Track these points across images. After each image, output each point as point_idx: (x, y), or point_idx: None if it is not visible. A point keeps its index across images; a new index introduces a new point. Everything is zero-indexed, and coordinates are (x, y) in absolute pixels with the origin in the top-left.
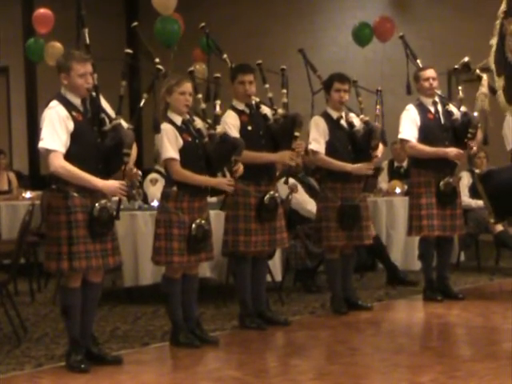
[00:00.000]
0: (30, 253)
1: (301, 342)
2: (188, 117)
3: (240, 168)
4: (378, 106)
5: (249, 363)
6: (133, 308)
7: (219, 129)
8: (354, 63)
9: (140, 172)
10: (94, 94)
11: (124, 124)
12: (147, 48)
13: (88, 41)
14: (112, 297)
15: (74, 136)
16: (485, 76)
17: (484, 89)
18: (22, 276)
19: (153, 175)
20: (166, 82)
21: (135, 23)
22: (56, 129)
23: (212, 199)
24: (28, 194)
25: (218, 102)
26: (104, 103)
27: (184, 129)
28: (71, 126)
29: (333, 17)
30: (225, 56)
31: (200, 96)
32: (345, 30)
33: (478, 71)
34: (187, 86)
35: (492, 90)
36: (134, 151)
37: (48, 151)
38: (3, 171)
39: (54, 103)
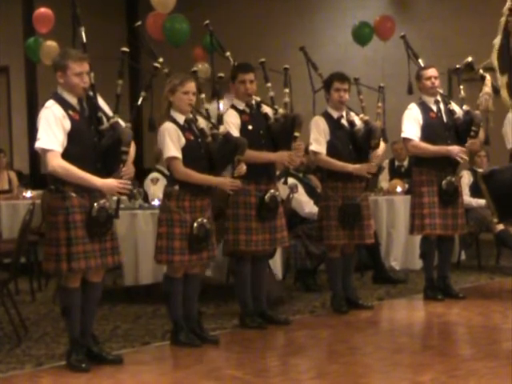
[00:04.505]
0: (31, 252)
1: (301, 341)
2: (191, 116)
3: (243, 168)
4: (379, 104)
5: (249, 362)
6: (133, 307)
7: (222, 128)
8: (354, 63)
9: (132, 170)
10: (91, 93)
11: (122, 123)
12: (150, 47)
13: (85, 39)
14: (112, 296)
15: (71, 135)
16: (488, 76)
17: (488, 88)
18: (22, 275)
19: (154, 174)
20: (169, 81)
21: (138, 22)
22: (52, 128)
23: None
24: (28, 193)
25: (222, 102)
26: (102, 102)
27: (186, 128)
28: (68, 125)
29: (333, 16)
30: (227, 54)
31: (203, 96)
32: (345, 29)
33: (481, 71)
34: (191, 86)
35: (495, 90)
36: (132, 150)
37: (45, 151)
38: (4, 170)
39: (50, 103)
